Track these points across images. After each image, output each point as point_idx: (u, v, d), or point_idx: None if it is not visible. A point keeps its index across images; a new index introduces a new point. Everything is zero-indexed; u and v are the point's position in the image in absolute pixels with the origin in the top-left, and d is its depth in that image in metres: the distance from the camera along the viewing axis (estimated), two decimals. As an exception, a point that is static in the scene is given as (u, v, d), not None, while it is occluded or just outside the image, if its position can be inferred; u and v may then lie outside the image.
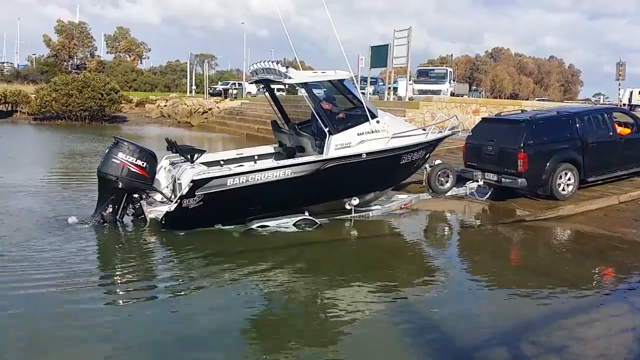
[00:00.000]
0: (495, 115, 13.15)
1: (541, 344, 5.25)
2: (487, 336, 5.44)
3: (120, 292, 6.58)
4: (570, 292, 6.69)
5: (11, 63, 72.15)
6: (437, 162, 11.24)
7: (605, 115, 11.80)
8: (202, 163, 9.61)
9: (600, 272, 7.74)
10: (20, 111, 36.05)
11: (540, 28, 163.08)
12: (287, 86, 24.45)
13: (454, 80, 42.44)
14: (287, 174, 8.89)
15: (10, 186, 12.33)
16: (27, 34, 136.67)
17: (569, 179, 10.85)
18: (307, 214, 9.38)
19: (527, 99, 60.18)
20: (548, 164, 10.63)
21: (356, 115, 9.74)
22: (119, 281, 6.98)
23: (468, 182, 11.41)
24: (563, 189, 10.83)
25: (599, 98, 75.29)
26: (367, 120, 9.48)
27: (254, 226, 9.02)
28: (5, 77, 50.69)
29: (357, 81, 13.84)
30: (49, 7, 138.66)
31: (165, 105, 43.08)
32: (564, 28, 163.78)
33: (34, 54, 71.96)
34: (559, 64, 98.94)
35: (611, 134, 11.55)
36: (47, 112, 34.50)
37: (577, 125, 11.14)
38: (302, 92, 9.74)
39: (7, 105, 36.02)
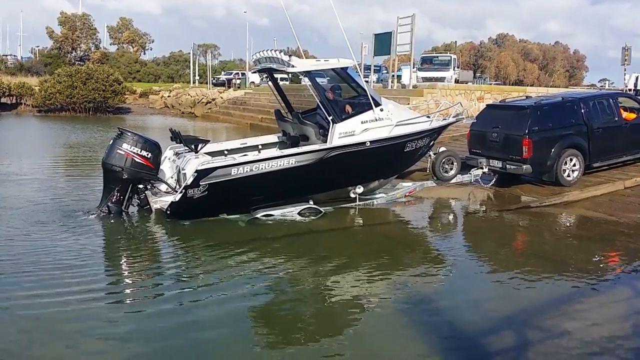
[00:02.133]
0: (500, 101, 13.07)
1: (547, 328, 5.26)
2: (493, 322, 5.45)
3: (126, 285, 6.53)
4: (575, 277, 6.68)
5: (14, 55, 72.18)
6: (442, 149, 11.22)
7: (611, 100, 11.73)
8: (206, 153, 9.62)
9: (605, 257, 7.73)
10: (25, 103, 36.22)
11: (543, 13, 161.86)
12: (290, 75, 24.43)
13: (458, 67, 42.15)
14: (291, 163, 8.89)
15: (16, 176, 12.42)
16: (29, 26, 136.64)
17: (574, 165, 10.81)
18: (311, 202, 9.39)
19: (532, 85, 59.80)
20: (553, 150, 10.59)
21: (360, 103, 9.72)
22: (124, 274, 6.99)
23: (473, 169, 11.40)
24: (568, 175, 10.79)
25: (605, 83, 74.74)
26: (371, 108, 9.47)
27: (258, 215, 9.05)
28: (9, 70, 50.73)
29: (360, 69, 13.75)
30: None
31: (168, 96, 43.13)
32: (567, 13, 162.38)
33: (37, 46, 71.96)
34: (564, 49, 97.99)
35: (616, 119, 11.48)
36: (51, 104, 34.64)
37: (582, 111, 11.07)
38: (306, 80, 9.73)
39: (11, 97, 36.21)
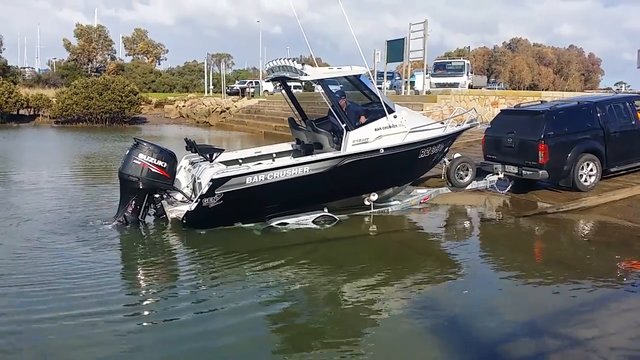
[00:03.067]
0: (515, 106, 12.98)
1: (566, 336, 5.20)
2: (510, 330, 5.40)
3: (143, 298, 6.48)
4: (594, 284, 6.60)
5: (32, 68, 73.47)
6: (456, 155, 11.17)
7: (627, 104, 11.59)
8: (221, 162, 9.68)
9: (625, 263, 7.61)
10: (42, 115, 36.81)
11: (556, 17, 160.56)
12: (303, 83, 24.53)
13: (471, 73, 42.05)
14: (306, 171, 8.91)
15: (33, 186, 12.59)
16: (46, 38, 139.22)
17: (591, 170, 10.68)
18: (326, 210, 9.39)
19: (547, 90, 59.37)
20: (569, 155, 10.48)
21: (373, 110, 9.72)
22: (141, 285, 7.00)
23: (488, 175, 11.32)
24: (585, 180, 10.67)
25: (621, 86, 73.96)
26: (385, 115, 9.46)
27: (273, 224, 9.06)
28: (27, 82, 51.61)
29: (373, 76, 13.73)
30: (64, 12, 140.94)
31: (183, 106, 43.54)
32: (580, 16, 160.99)
33: (54, 58, 73.13)
34: (579, 53, 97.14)
35: (634, 123, 11.33)
36: (68, 115, 35.12)
37: (599, 115, 10.96)
38: (319, 88, 9.75)
39: (29, 109, 36.79)
